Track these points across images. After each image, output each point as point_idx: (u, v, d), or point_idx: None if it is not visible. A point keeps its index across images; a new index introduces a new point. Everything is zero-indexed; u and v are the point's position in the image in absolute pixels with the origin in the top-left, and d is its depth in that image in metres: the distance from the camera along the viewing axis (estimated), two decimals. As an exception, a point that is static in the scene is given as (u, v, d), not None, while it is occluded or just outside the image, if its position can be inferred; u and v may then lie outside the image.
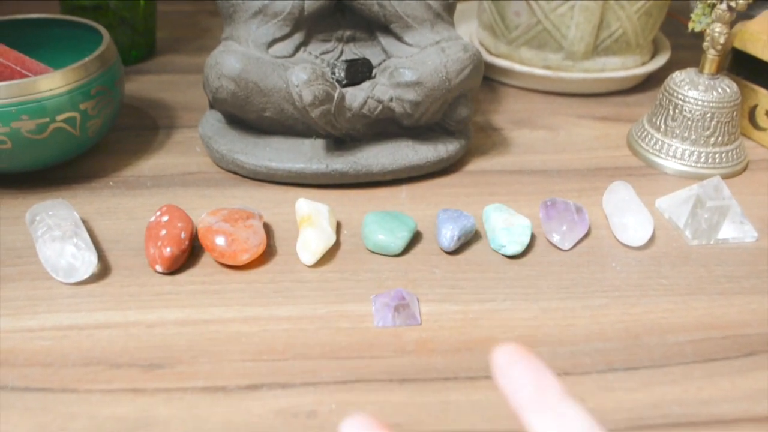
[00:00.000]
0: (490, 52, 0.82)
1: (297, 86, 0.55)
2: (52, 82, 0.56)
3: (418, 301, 0.49)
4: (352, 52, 0.64)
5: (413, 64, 0.59)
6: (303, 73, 0.55)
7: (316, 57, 0.63)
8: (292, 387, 0.43)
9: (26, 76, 0.60)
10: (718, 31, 0.64)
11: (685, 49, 0.89)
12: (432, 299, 0.50)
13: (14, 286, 0.50)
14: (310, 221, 0.54)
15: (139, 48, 0.84)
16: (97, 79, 0.58)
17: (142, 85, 0.79)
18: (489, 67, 0.80)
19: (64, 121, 0.57)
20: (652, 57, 0.84)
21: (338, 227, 0.57)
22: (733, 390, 0.44)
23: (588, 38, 0.76)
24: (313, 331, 0.47)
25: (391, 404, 0.43)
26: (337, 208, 0.59)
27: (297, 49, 0.62)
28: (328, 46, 0.63)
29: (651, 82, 0.83)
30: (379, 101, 0.60)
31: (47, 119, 0.56)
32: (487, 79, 0.82)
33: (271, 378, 0.44)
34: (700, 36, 0.67)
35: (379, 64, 0.63)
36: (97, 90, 0.58)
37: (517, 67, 0.79)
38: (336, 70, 0.61)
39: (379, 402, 0.43)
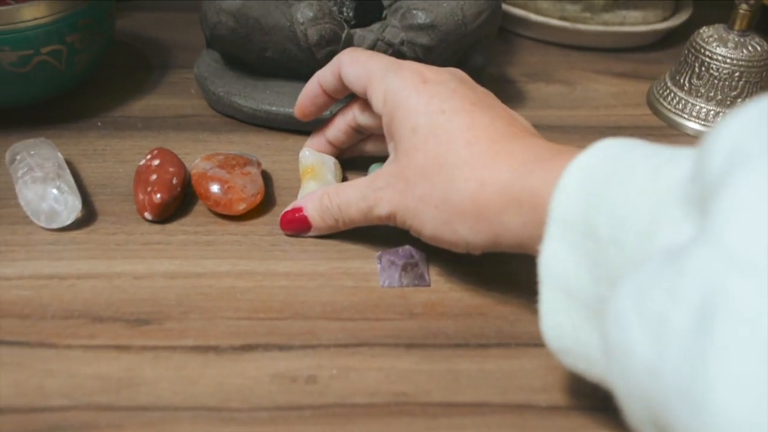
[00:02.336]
0: (505, 1, 0.78)
1: (302, 24, 0.52)
2: (36, 11, 0.52)
3: (427, 260, 0.46)
4: (362, -10, 0.59)
5: (427, 6, 0.55)
6: (309, 10, 0.52)
7: (323, -6, 0.59)
8: (289, 349, 0.40)
9: (8, 3, 0.56)
10: (752, -17, 0.61)
11: (707, 6, 0.85)
12: (442, 259, 0.47)
13: (-9, 229, 0.47)
14: (314, 173, 0.50)
15: (133, -18, 0.80)
16: (85, 11, 0.54)
17: (135, 21, 0.75)
18: (504, 16, 0.76)
19: (49, 54, 0.53)
20: (674, 12, 0.80)
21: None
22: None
23: (609, -11, 0.72)
24: (313, 288, 0.44)
25: (397, 371, 0.40)
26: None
27: (303, -15, 0.58)
28: (336, -17, 0.59)
29: (672, 38, 0.79)
30: (390, 44, 0.56)
31: (31, 51, 0.52)
32: (500, 29, 0.77)
33: (267, 338, 0.41)
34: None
35: (391, 5, 0.59)
36: (84, 22, 0.54)
37: (533, 16, 0.75)
38: (344, 9, 0.57)
39: (384, 368, 0.40)
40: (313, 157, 0.52)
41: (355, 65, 0.46)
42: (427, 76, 0.43)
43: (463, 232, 0.40)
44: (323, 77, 0.49)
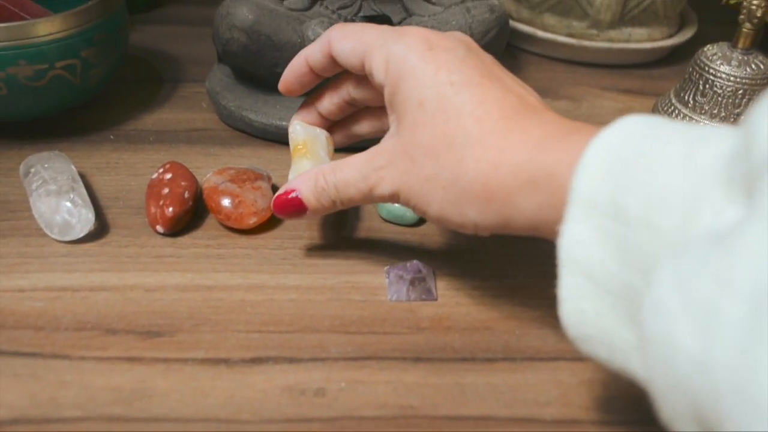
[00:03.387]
0: (512, 17, 0.79)
1: (313, 41, 0.52)
2: (51, 26, 0.52)
3: (434, 274, 0.47)
4: (371, 8, 0.60)
5: (436, 24, 0.56)
6: (320, 28, 0.52)
7: (333, 12, 0.59)
8: (299, 362, 0.41)
9: (25, 18, 0.57)
10: (755, 3, 0.61)
11: (712, 23, 0.86)
12: (449, 274, 0.47)
13: (5, 242, 0.47)
14: (306, 150, 0.48)
15: (145, -4, 0.81)
16: (99, 26, 0.55)
17: (148, 35, 0.76)
18: (510, 32, 0.76)
19: (64, 68, 0.54)
20: (679, 30, 0.81)
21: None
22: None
23: (615, 6, 0.73)
24: (322, 302, 0.45)
25: (405, 384, 0.40)
26: (350, 173, 0.56)
27: (313, 3, 0.59)
28: (346, 0, 0.60)
29: (677, 55, 0.80)
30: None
31: (46, 65, 0.53)
32: (507, 45, 0.78)
33: (277, 351, 0.41)
34: (727, 10, 0.64)
35: (400, 23, 0.60)
36: (99, 37, 0.55)
37: (540, 33, 0.76)
38: (354, 27, 0.58)
39: (392, 381, 0.40)
40: (305, 132, 0.49)
41: (348, 38, 0.43)
42: (433, 41, 0.40)
43: (472, 214, 0.37)
44: (311, 55, 0.46)
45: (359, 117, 0.50)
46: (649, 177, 0.30)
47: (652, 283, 0.27)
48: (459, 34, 0.43)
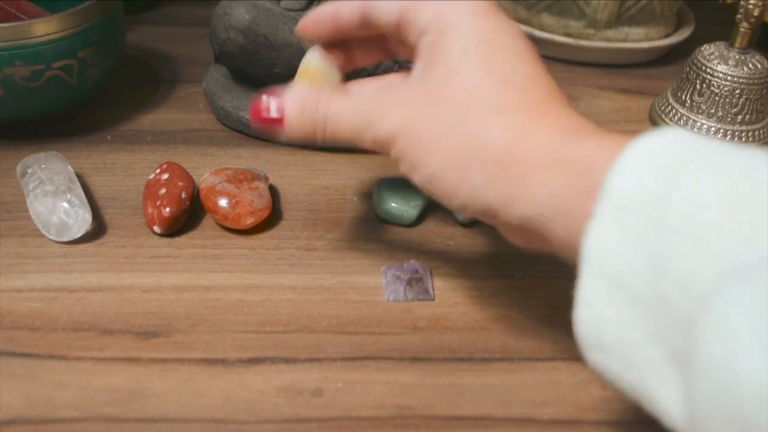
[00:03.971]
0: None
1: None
2: (48, 27, 0.52)
3: (431, 274, 0.47)
4: (368, 8, 0.60)
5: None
6: (317, 28, 0.52)
7: (330, 12, 0.59)
8: (296, 362, 0.41)
9: (21, 19, 0.57)
10: (752, 2, 0.61)
11: (709, 23, 0.86)
12: (446, 273, 0.47)
13: (2, 243, 0.47)
14: (314, 77, 0.44)
15: (143, -3, 0.81)
16: (96, 26, 0.55)
17: (145, 36, 0.76)
18: (507, 32, 0.77)
19: (61, 68, 0.54)
20: (676, 29, 0.81)
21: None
22: None
23: (612, 6, 0.73)
24: (319, 302, 0.45)
25: (402, 384, 0.40)
26: (348, 173, 0.56)
27: (310, 2, 0.59)
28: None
29: (674, 54, 0.80)
30: (396, 61, 0.56)
31: (43, 66, 0.53)
32: (504, 45, 0.79)
33: (274, 351, 0.41)
34: (725, 9, 0.64)
35: (397, 23, 0.60)
36: (96, 37, 0.55)
37: (537, 33, 0.76)
38: (351, 27, 0.58)
39: (389, 381, 0.40)
40: (320, 64, 0.44)
41: None
42: (494, 8, 0.38)
43: (477, 179, 0.34)
44: (342, 7, 0.41)
45: (353, 51, 0.45)
46: (696, 190, 0.28)
47: (713, 304, 0.25)
48: None
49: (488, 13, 0.37)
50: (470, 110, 0.35)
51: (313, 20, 0.43)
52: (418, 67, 0.38)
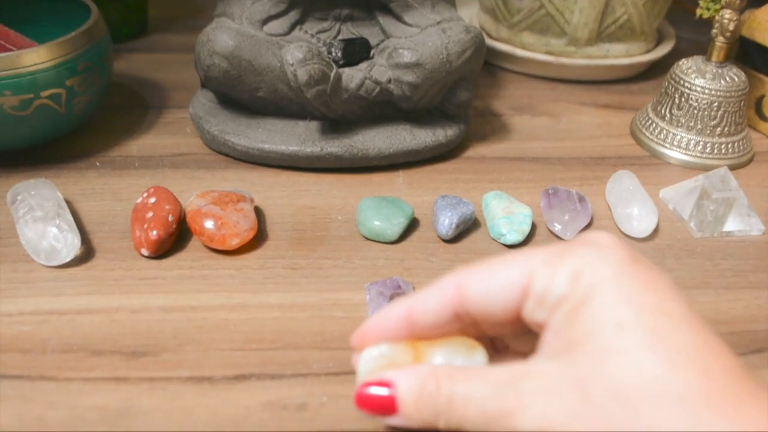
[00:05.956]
0: (490, 36, 0.80)
1: (292, 65, 0.53)
2: (36, 57, 0.53)
3: (414, 290, 0.48)
4: (350, 31, 0.61)
5: (413, 45, 0.57)
6: (298, 52, 0.53)
7: (312, 36, 0.61)
8: (281, 378, 0.42)
9: (9, 49, 0.58)
10: (727, 17, 0.63)
11: (690, 39, 0.87)
12: (429, 289, 0.48)
13: (-7, 268, 0.48)
14: (392, 363, 0.36)
15: (131, 25, 0.82)
16: (84, 55, 0.56)
17: (132, 63, 0.77)
18: (490, 51, 0.78)
19: (49, 97, 0.55)
20: (657, 45, 0.82)
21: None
22: (741, 388, 0.43)
23: (592, 24, 0.74)
24: (304, 319, 0.46)
25: (385, 398, 0.41)
26: (332, 192, 0.57)
27: (292, 27, 0.60)
28: (325, 24, 0.61)
29: (655, 70, 0.81)
30: (377, 83, 0.58)
31: (31, 95, 0.54)
32: (487, 64, 0.80)
33: (260, 368, 0.42)
34: (705, 24, 0.65)
35: (378, 45, 0.61)
36: (84, 66, 0.56)
37: (519, 51, 0.77)
38: (332, 50, 0.59)
39: (373, 395, 0.41)
40: (391, 350, 0.35)
41: (499, 269, 0.33)
42: (636, 254, 0.32)
43: None
44: (421, 303, 0.34)
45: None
46: None
47: None
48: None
49: (636, 268, 0.31)
50: (643, 402, 0.27)
51: (375, 326, 0.36)
52: (548, 343, 0.31)
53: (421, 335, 0.35)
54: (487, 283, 0.33)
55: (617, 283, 0.30)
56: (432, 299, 0.34)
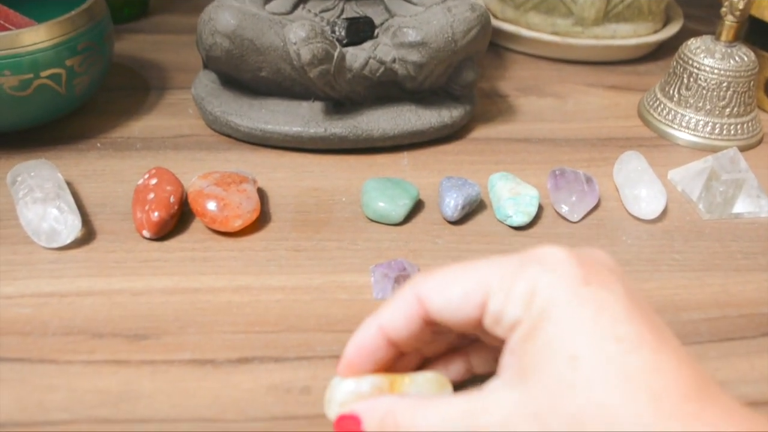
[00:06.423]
0: (496, 17, 0.79)
1: (295, 44, 0.53)
2: (36, 36, 0.53)
3: (419, 272, 0.47)
4: (354, 10, 0.60)
5: (417, 24, 0.56)
6: (301, 30, 0.52)
7: (316, 15, 0.60)
8: (285, 361, 0.41)
9: (9, 29, 0.57)
10: (737, -4, 0.62)
11: (698, 19, 0.86)
12: (434, 271, 0.47)
13: (-7, 249, 0.48)
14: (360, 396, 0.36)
15: (132, 6, 0.81)
16: (84, 34, 0.55)
17: (134, 44, 0.76)
18: (495, 32, 0.77)
19: (49, 77, 0.54)
20: (665, 25, 0.81)
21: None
22: (751, 371, 0.42)
23: (599, 3, 0.73)
24: (308, 302, 0.45)
25: (390, 381, 0.40)
26: (336, 174, 0.56)
27: (295, 6, 0.59)
28: (329, 3, 0.60)
29: (662, 50, 0.80)
30: (382, 62, 0.57)
31: (31, 75, 0.53)
32: (492, 45, 0.79)
33: (263, 351, 0.42)
34: (713, 4, 0.64)
35: (382, 24, 0.60)
36: (84, 45, 0.56)
37: (525, 32, 0.76)
38: (336, 29, 0.58)
39: (377, 378, 0.40)
40: (366, 383, 0.35)
41: (454, 283, 0.33)
42: (589, 274, 0.31)
43: None
44: (389, 323, 0.34)
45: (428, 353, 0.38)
46: None
47: None
48: (601, 256, 0.34)
49: (589, 289, 0.31)
50: None
51: (355, 350, 0.35)
52: (507, 365, 0.32)
53: (405, 348, 0.35)
54: (446, 297, 0.33)
55: (570, 310, 0.30)
56: (398, 314, 0.34)
